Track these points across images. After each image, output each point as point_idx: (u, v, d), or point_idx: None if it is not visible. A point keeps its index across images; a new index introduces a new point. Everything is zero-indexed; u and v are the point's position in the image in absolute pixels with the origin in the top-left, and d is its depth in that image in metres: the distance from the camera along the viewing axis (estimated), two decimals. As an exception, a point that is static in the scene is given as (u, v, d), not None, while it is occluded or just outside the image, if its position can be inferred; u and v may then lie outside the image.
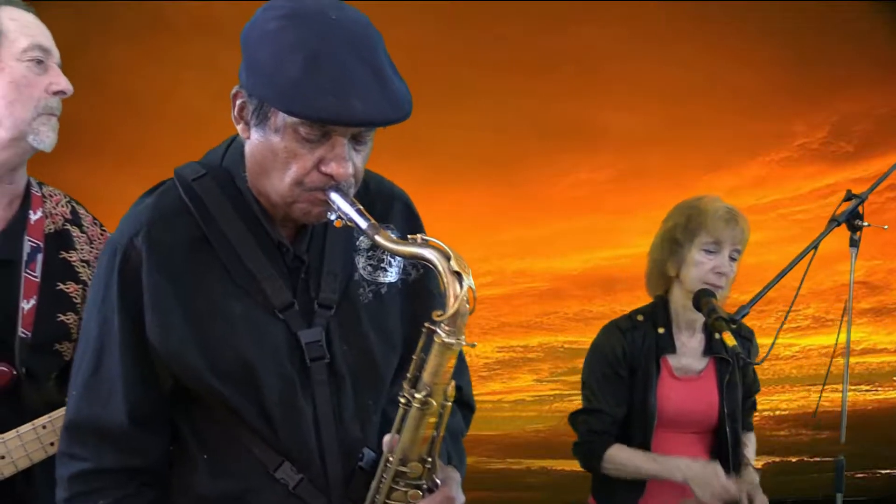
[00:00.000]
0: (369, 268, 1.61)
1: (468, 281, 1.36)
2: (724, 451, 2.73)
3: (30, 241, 1.96)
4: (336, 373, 1.54)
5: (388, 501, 1.48)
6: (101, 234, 2.11)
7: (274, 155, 1.43)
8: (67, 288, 2.01)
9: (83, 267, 2.04)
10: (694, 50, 6.08)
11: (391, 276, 1.61)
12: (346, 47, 1.38)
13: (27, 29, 1.92)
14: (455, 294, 1.36)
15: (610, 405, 2.73)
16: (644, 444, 2.70)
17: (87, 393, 1.54)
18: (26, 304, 1.93)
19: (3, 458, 1.87)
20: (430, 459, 1.46)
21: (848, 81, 6.16)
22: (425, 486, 1.48)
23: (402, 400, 1.43)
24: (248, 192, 1.52)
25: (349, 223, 1.42)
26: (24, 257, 1.94)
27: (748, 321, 2.66)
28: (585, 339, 6.74)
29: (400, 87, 1.42)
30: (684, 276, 2.73)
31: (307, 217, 1.48)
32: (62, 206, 2.07)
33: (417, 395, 1.41)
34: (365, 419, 1.57)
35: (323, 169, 1.42)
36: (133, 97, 5.74)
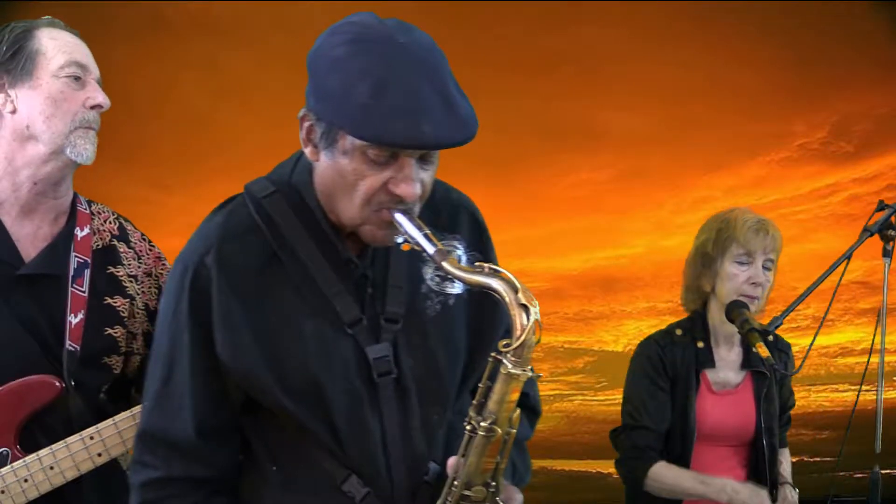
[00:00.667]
0: (437, 278, 1.62)
1: (535, 313, 1.39)
2: (761, 464, 2.74)
3: (77, 256, 2.02)
4: (403, 387, 1.56)
5: None
6: (150, 250, 2.17)
7: (343, 177, 1.46)
8: (115, 302, 2.07)
9: (131, 282, 2.10)
10: (694, 50, 6.07)
11: (459, 286, 1.61)
12: (413, 71, 1.40)
13: (65, 47, 2.00)
14: (521, 326, 1.39)
15: (654, 421, 2.73)
16: (683, 458, 2.71)
17: (157, 405, 1.57)
18: (74, 319, 1.98)
19: (52, 468, 1.93)
20: (493, 484, 1.48)
21: (848, 81, 6.15)
22: None
23: (468, 427, 1.46)
24: (318, 209, 1.54)
25: (416, 247, 1.44)
26: (71, 272, 2.00)
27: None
28: (585, 339, 6.77)
29: (466, 109, 1.44)
30: (719, 290, 2.74)
31: (374, 239, 1.51)
32: (110, 223, 2.13)
33: (483, 424, 1.44)
34: (430, 433, 1.59)
35: (391, 189, 1.44)
36: (132, 97, 5.72)
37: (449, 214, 1.64)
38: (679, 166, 6.46)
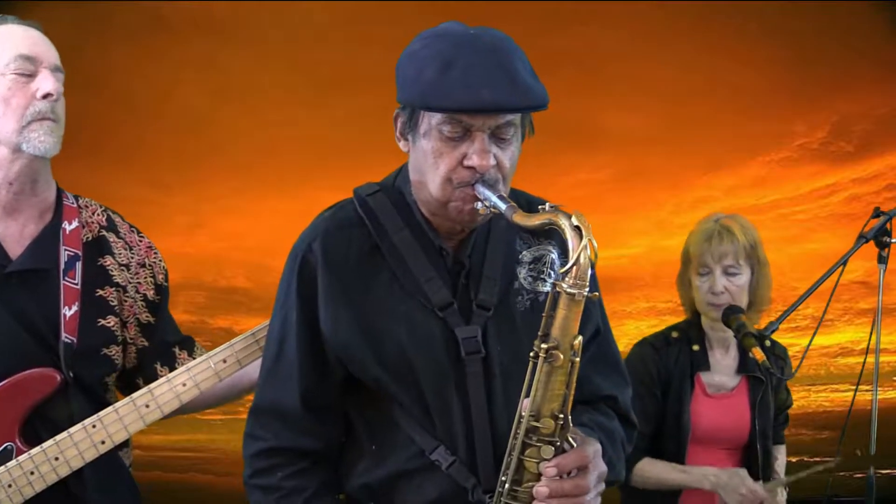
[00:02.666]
0: (530, 278, 1.74)
1: (587, 234, 1.47)
2: (754, 467, 2.76)
3: (67, 249, 2.04)
4: (489, 368, 1.67)
5: (522, 457, 1.55)
6: (140, 241, 2.19)
7: (425, 157, 1.60)
8: (105, 293, 2.09)
9: (121, 270, 2.12)
10: (694, 50, 6.07)
11: (549, 286, 1.70)
12: (480, 53, 1.53)
13: (12, 41, 1.96)
14: (574, 247, 1.47)
15: (639, 422, 2.75)
16: (678, 460, 2.74)
17: (269, 380, 1.74)
18: (68, 311, 2.00)
19: (56, 459, 1.96)
20: (561, 416, 1.53)
21: (848, 81, 6.15)
22: (559, 444, 1.54)
23: (532, 354, 1.52)
24: (414, 204, 1.69)
25: (492, 209, 1.55)
26: (62, 265, 2.02)
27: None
28: (585, 339, 6.75)
29: (532, 83, 1.55)
30: (695, 301, 2.79)
31: (461, 216, 1.62)
32: (98, 215, 2.14)
33: (544, 346, 1.50)
34: (513, 413, 1.62)
35: (466, 163, 1.56)
36: (132, 97, 5.73)
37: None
38: (679, 166, 6.46)
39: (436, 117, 1.56)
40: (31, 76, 1.96)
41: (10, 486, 1.94)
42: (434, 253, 1.68)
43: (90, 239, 2.09)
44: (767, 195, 6.41)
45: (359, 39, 5.61)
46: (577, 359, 1.52)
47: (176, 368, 2.13)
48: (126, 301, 2.12)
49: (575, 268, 1.47)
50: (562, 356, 1.50)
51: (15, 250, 2.01)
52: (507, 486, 1.56)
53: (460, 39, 1.56)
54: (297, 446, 1.71)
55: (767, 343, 2.63)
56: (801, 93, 6.25)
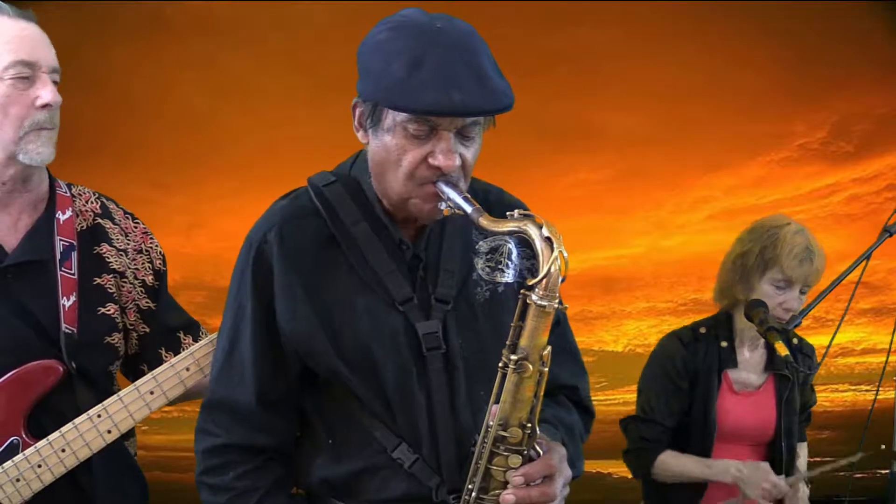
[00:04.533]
0: (487, 269, 1.71)
1: (558, 246, 1.45)
2: (778, 463, 2.77)
3: (62, 240, 2.02)
4: (450, 363, 1.65)
5: (489, 466, 1.54)
6: (136, 226, 2.17)
7: (387, 153, 1.57)
8: (103, 281, 2.07)
9: (119, 256, 2.10)
10: (694, 50, 6.07)
11: (508, 276, 1.71)
12: (448, 50, 1.50)
13: (10, 45, 1.91)
14: (546, 258, 1.45)
15: (663, 415, 2.78)
16: (704, 455, 2.74)
17: (221, 375, 1.69)
18: (67, 301, 1.99)
19: (63, 450, 1.95)
20: (529, 425, 1.52)
21: (848, 81, 6.15)
22: (525, 453, 1.54)
23: (501, 365, 1.51)
24: (373, 195, 1.65)
25: (457, 210, 1.53)
26: (58, 256, 2.00)
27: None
28: (585, 339, 6.75)
29: (500, 83, 1.53)
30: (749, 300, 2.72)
31: (421, 213, 1.60)
32: (92, 203, 2.12)
33: (513, 357, 1.49)
34: (477, 408, 1.63)
35: (430, 161, 1.54)
36: (132, 97, 5.73)
37: (502, 214, 1.67)
38: (679, 166, 6.45)
39: (401, 115, 1.53)
40: (29, 80, 1.92)
41: (18, 479, 1.93)
42: (393, 245, 1.65)
43: (84, 228, 2.07)
44: (767, 195, 6.41)
45: (359, 39, 5.57)
46: (546, 369, 1.51)
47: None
48: (124, 287, 2.10)
49: (545, 279, 1.45)
50: (531, 367, 1.49)
51: (10, 243, 1.99)
52: (473, 494, 1.56)
53: (425, 34, 1.52)
54: (250, 443, 1.67)
55: (794, 340, 2.63)
56: (801, 93, 6.25)
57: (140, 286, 2.13)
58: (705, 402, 2.75)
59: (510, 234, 1.52)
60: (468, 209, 1.51)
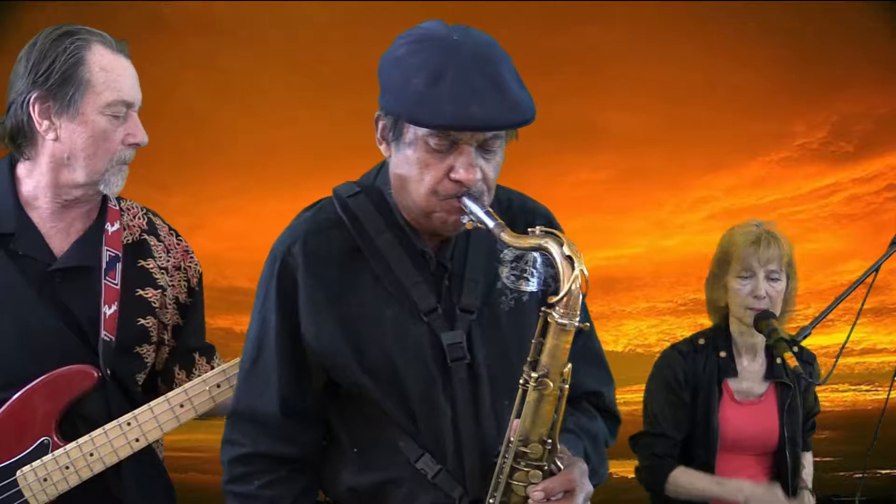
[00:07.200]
0: (512, 277, 1.70)
1: (579, 265, 1.45)
2: (784, 473, 2.78)
3: (108, 250, 2.07)
4: (475, 374, 1.65)
5: (510, 481, 1.55)
6: (178, 244, 2.22)
7: (409, 167, 1.57)
8: (146, 293, 2.12)
9: (162, 273, 2.15)
10: (694, 50, 6.08)
11: (532, 285, 1.70)
12: (468, 63, 1.50)
13: (115, 82, 2.01)
14: (567, 277, 1.45)
15: (672, 429, 2.79)
16: (707, 466, 2.76)
17: (246, 385, 1.72)
18: (108, 310, 2.04)
19: (91, 455, 1.99)
20: (549, 441, 1.53)
21: (848, 81, 6.15)
22: (546, 468, 1.55)
23: (522, 381, 1.52)
24: (395, 206, 1.66)
25: (479, 224, 1.53)
26: (104, 265, 2.05)
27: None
28: (585, 339, 6.75)
29: (521, 96, 1.53)
30: (730, 304, 2.79)
31: (445, 226, 1.61)
32: (139, 218, 2.18)
33: (534, 374, 1.50)
34: (500, 418, 1.63)
35: (452, 176, 1.54)
36: (132, 97, 5.73)
37: (525, 222, 1.68)
38: (679, 166, 6.46)
39: (422, 129, 1.53)
40: (123, 119, 2.02)
41: (45, 479, 1.97)
42: (417, 256, 1.66)
43: (131, 241, 2.12)
44: (767, 195, 6.42)
45: (359, 39, 5.61)
46: (567, 386, 1.51)
47: (193, 373, 2.17)
48: (168, 305, 2.16)
49: (566, 298, 1.46)
50: (551, 384, 1.50)
51: (61, 247, 2.04)
52: None
53: (445, 47, 1.52)
54: (275, 453, 1.68)
55: (795, 349, 2.64)
56: (801, 93, 6.25)
57: (173, 303, 2.17)
58: (707, 412, 2.76)
59: (531, 250, 1.52)
60: (490, 224, 1.52)
